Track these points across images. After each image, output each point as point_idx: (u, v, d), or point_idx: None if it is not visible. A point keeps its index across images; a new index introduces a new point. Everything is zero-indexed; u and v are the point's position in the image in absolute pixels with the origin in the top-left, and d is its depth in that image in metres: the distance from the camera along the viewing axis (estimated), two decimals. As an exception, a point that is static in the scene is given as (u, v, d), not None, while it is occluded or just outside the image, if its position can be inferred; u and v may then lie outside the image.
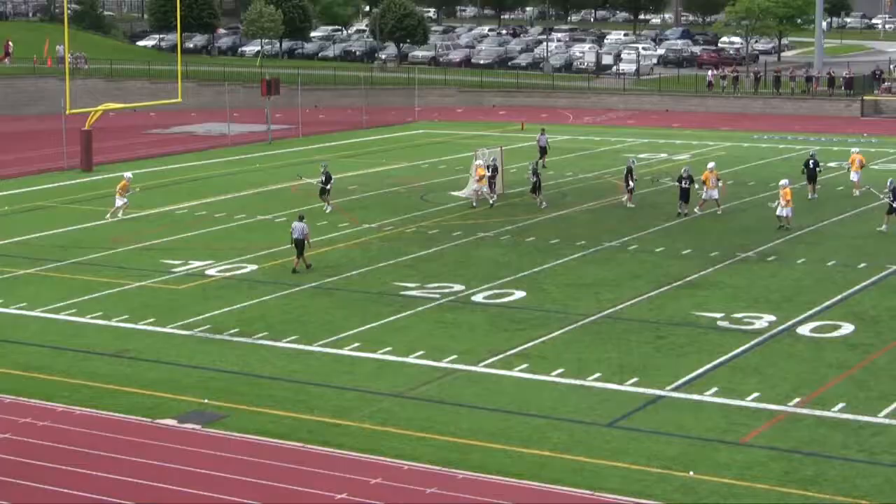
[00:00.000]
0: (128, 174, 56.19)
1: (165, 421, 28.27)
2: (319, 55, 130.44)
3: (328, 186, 55.01)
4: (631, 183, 54.47)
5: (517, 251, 46.30)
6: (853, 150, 62.24)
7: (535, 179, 55.44)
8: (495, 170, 58.11)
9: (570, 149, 75.51)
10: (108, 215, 53.38)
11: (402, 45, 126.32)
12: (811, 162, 58.36)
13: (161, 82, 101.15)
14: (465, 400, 29.63)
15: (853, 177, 59.66)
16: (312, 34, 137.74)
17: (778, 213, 49.42)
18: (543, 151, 67.47)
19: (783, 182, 50.41)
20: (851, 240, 48.08)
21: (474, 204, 55.46)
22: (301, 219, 43.34)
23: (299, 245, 42.74)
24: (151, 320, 36.94)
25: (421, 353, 33.38)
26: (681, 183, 52.39)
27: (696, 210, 52.80)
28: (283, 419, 28.29)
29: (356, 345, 34.18)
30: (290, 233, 43.65)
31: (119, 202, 53.71)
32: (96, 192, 60.79)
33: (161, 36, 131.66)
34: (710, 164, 54.65)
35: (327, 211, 54.06)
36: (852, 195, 57.76)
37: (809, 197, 57.14)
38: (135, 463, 25.63)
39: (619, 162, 69.32)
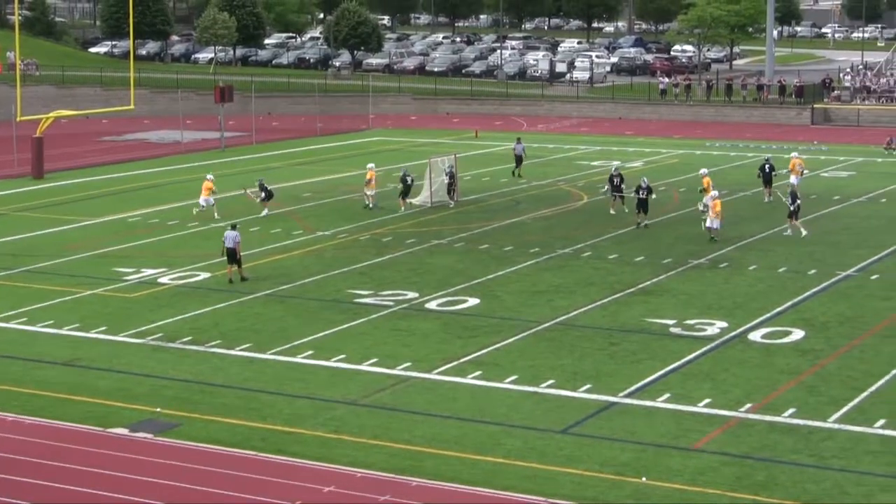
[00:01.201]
0: (210, 175, 57.00)
1: (117, 430, 28.09)
2: (273, 62, 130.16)
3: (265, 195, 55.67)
4: (623, 189, 54.33)
5: (471, 258, 46.31)
6: (792, 154, 62.63)
7: (448, 180, 57.38)
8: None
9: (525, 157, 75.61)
10: (195, 211, 55.21)
11: (356, 52, 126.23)
12: (767, 166, 59.15)
13: (114, 89, 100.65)
14: (419, 407, 29.61)
15: (793, 180, 60.18)
16: (266, 41, 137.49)
17: (707, 225, 49.15)
18: (519, 160, 67.33)
19: (713, 194, 50.18)
20: (802, 246, 48.35)
21: (370, 205, 56.65)
22: (233, 227, 43.00)
23: (231, 254, 42.46)
24: (103, 328, 36.72)
25: (375, 360, 33.33)
26: (638, 193, 52.31)
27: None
28: (236, 427, 28.18)
29: (310, 352, 34.09)
30: (221, 242, 43.30)
31: (203, 202, 54.96)
32: (47, 199, 60.43)
33: (113, 43, 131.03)
34: (703, 170, 55.65)
35: (263, 215, 54.84)
36: (809, 192, 58.16)
37: (766, 200, 57.59)
38: (87, 472, 25.45)
39: (572, 169, 69.56)
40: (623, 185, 54.20)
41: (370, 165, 59.13)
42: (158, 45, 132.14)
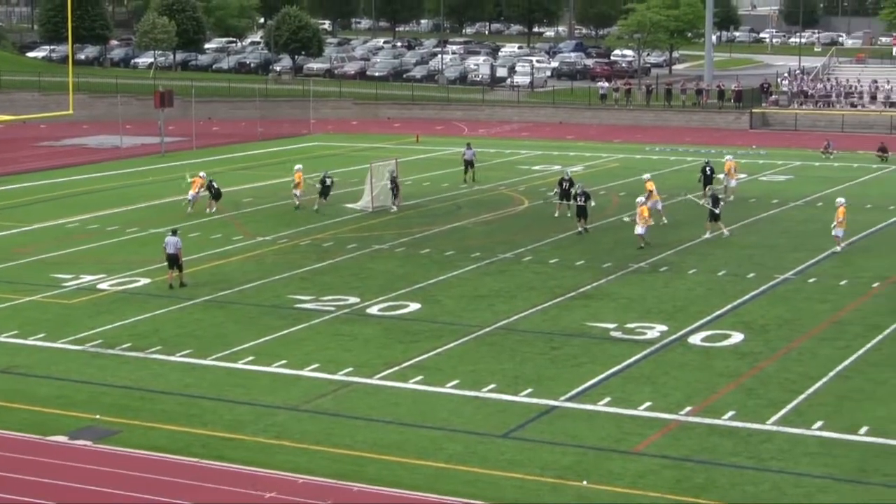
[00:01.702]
0: (202, 173, 59.07)
1: (56, 438, 27.89)
2: (213, 67, 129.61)
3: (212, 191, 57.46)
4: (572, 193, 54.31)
5: (412, 263, 46.31)
6: (726, 157, 63.09)
7: (391, 185, 57.76)
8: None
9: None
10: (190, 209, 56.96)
11: (296, 57, 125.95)
12: (707, 168, 59.74)
13: (52, 94, 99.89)
14: (361, 412, 29.58)
15: (730, 183, 60.71)
16: (206, 46, 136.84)
17: (637, 231, 49.07)
18: (469, 164, 67.35)
19: (639, 199, 50.15)
20: (741, 249, 48.69)
21: (298, 206, 57.65)
22: (174, 233, 42.81)
23: (172, 259, 42.29)
24: (42, 335, 36.43)
25: (316, 365, 33.27)
26: (576, 200, 52.38)
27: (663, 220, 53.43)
28: (176, 434, 28.04)
29: (250, 358, 33.98)
30: (163, 248, 43.14)
31: (192, 196, 57.27)
32: (-14, 205, 59.92)
33: (52, 47, 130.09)
34: (646, 175, 55.94)
35: (210, 211, 56.72)
36: (747, 196, 58.82)
37: (700, 202, 57.95)
38: (25, 481, 25.24)
39: (513, 174, 69.69)
40: (572, 190, 54.27)
41: (298, 167, 59.59)
42: (97, 49, 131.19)
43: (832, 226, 48.48)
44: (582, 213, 51.79)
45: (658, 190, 54.87)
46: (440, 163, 75.18)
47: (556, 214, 55.40)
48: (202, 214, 55.76)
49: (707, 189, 58.61)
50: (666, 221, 53.69)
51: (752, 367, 33.16)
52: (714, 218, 51.05)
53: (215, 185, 57.55)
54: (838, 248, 48.05)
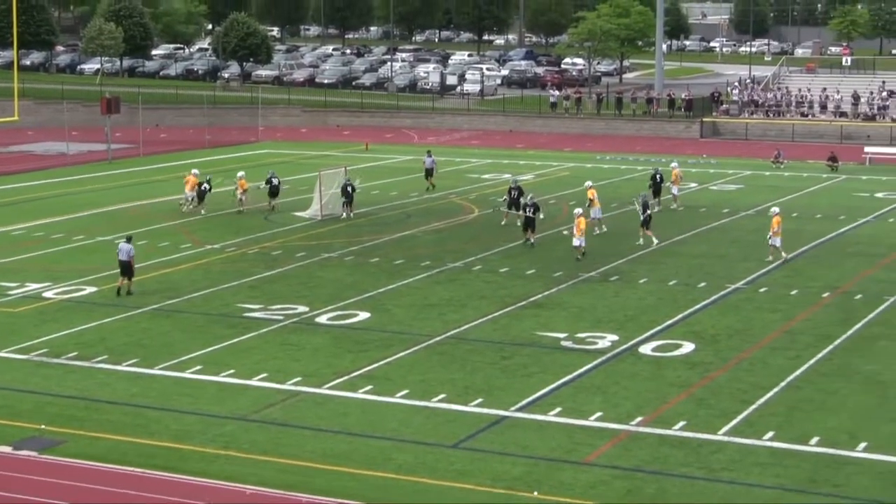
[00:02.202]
0: (195, 170, 60.61)
1: (1, 448, 27.62)
2: (161, 73, 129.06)
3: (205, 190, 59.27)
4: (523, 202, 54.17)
5: (362, 272, 46.24)
6: (672, 164, 63.39)
7: (350, 192, 57.90)
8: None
9: (414, 169, 75.64)
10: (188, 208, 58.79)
11: (245, 63, 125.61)
12: (657, 176, 60.04)
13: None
14: (310, 422, 29.48)
15: (674, 191, 61.07)
16: (154, 52, 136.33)
17: (574, 243, 48.55)
18: (430, 173, 67.34)
19: (577, 211, 49.75)
20: (692, 259, 48.89)
21: (243, 210, 58.47)
22: (128, 240, 42.60)
23: (125, 266, 42.07)
24: (-14, 344, 36.14)
25: (264, 375, 33.14)
26: (525, 211, 52.26)
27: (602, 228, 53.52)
28: (122, 444, 27.84)
29: (198, 368, 33.81)
30: (116, 254, 42.93)
31: (189, 195, 59.13)
32: (-72, 212, 59.36)
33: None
34: (588, 183, 56.30)
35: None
36: (698, 206, 59.14)
37: (655, 209, 58.24)
38: (-32, 492, 25.00)
39: (463, 182, 69.71)
40: (522, 200, 54.26)
41: (240, 174, 60.44)
42: (43, 55, 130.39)
43: (768, 236, 48.76)
44: (530, 224, 51.58)
45: (602, 198, 54.99)
46: (389, 171, 75.14)
47: (504, 223, 55.45)
48: (155, 220, 55.40)
49: (657, 198, 58.92)
50: (605, 230, 53.70)
51: (703, 377, 33.28)
52: (644, 225, 51.31)
53: (206, 185, 59.14)
54: (785, 256, 48.35)
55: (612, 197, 61.99)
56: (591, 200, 53.85)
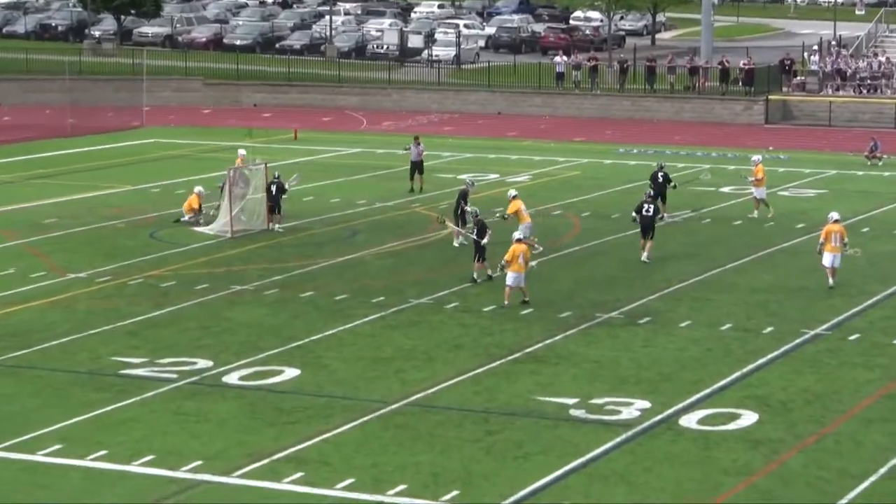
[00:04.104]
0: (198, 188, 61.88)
1: None
2: (4, 31, 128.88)
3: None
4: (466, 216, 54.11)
5: (288, 311, 46.22)
6: (754, 158, 63.40)
7: (275, 195, 58.38)
8: (280, 190, 58.18)
9: (361, 167, 75.70)
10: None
11: (124, 18, 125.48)
12: (660, 175, 59.95)
13: None
14: (214, 525, 29.48)
15: (757, 193, 61.04)
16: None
17: (509, 282, 47.00)
18: (417, 167, 67.34)
19: (515, 235, 48.73)
20: (752, 294, 48.95)
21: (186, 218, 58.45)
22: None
23: None
24: None
25: (150, 457, 33.03)
26: (470, 232, 51.17)
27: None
28: (-52, 556, 27.75)
29: (56, 447, 33.68)
30: None
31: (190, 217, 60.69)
32: None
33: None
34: (512, 192, 55.17)
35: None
36: (762, 219, 59.61)
37: (660, 218, 58.38)
38: None
39: (431, 185, 69.74)
40: (468, 209, 54.10)
41: (198, 189, 61.00)
42: None
43: (817, 249, 49.23)
44: (480, 252, 50.03)
45: (626, 207, 54.98)
46: (328, 169, 75.14)
47: (456, 244, 54.92)
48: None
49: (663, 206, 58.84)
50: (540, 248, 52.54)
51: (771, 460, 33.30)
52: (646, 232, 52.17)
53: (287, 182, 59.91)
54: (831, 282, 48.94)
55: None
56: (514, 213, 53.16)
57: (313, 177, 71.80)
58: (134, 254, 54.50)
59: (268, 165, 62.29)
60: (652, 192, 55.09)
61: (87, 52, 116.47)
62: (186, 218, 60.02)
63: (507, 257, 46.73)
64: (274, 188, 58.46)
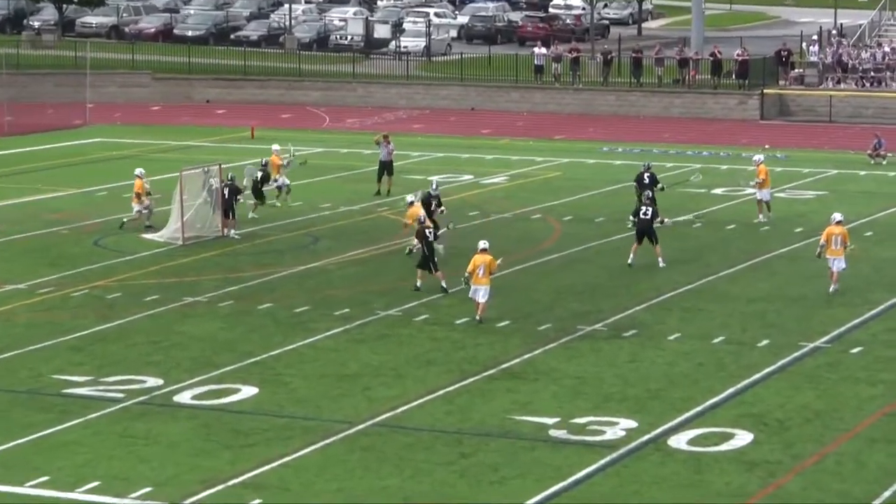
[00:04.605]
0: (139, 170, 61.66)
1: None
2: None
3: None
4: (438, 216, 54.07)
5: (245, 325, 46.23)
6: (756, 157, 63.34)
7: (227, 199, 58.48)
8: (235, 192, 58.19)
9: (325, 168, 75.72)
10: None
11: (65, 7, 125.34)
12: (646, 176, 59.89)
13: None
14: (165, 556, 29.52)
15: (760, 195, 61.01)
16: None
17: (471, 295, 47.24)
18: (386, 168, 67.40)
19: (481, 244, 48.76)
20: (747, 304, 49.05)
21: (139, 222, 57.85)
22: None
23: None
24: None
25: (95, 484, 33.01)
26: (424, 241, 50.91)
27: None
28: None
29: (-7, 473, 33.73)
30: None
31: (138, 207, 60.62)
32: None
33: None
34: (409, 198, 55.57)
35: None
36: (758, 224, 59.79)
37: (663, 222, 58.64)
38: None
39: (399, 187, 69.64)
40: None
41: (138, 171, 60.93)
42: None
43: (818, 251, 49.51)
44: (425, 263, 50.17)
45: (621, 212, 55.08)
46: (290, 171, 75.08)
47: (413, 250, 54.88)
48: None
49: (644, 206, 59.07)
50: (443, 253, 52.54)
51: (767, 483, 33.38)
52: (641, 237, 52.48)
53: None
54: (831, 289, 49.30)
55: (627, 209, 62.06)
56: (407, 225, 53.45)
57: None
58: (78, 263, 54.47)
59: (222, 166, 62.25)
60: (651, 195, 55.18)
61: (25, 44, 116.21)
62: (135, 211, 59.95)
63: (469, 269, 46.66)
64: (227, 191, 58.43)
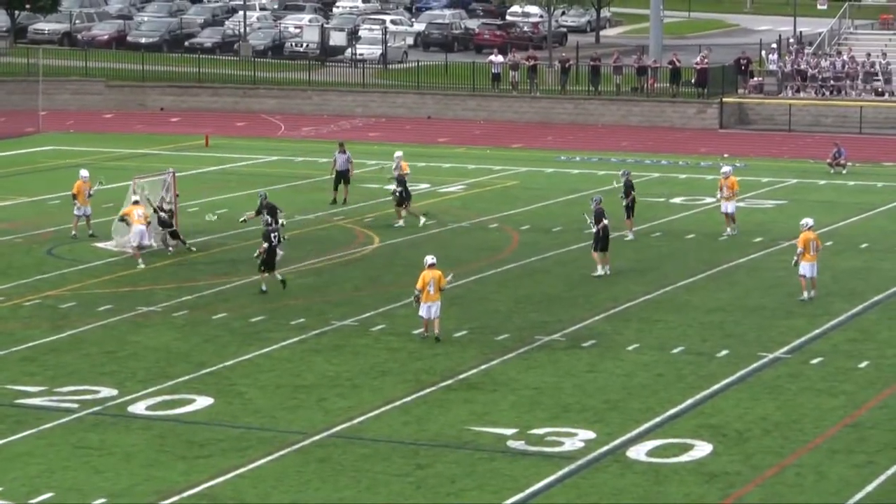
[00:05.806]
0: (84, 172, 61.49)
1: None
2: None
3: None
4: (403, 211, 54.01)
5: (199, 335, 46.19)
6: (724, 169, 63.27)
7: (166, 209, 57.91)
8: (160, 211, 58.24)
9: (280, 176, 75.66)
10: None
11: (17, 13, 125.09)
12: (626, 181, 59.93)
13: None
14: (119, 569, 29.48)
15: (726, 208, 61.04)
16: None
17: (421, 314, 46.37)
18: (343, 177, 67.36)
19: (428, 259, 48.48)
20: (706, 314, 49.15)
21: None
22: None
23: None
24: None
25: (48, 495, 32.97)
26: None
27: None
28: None
29: (-56, 485, 33.67)
30: None
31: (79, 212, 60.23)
32: None
33: None
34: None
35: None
36: (722, 236, 59.82)
37: (629, 237, 58.62)
38: None
39: (355, 196, 69.73)
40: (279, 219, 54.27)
41: (83, 174, 60.83)
42: None
43: (794, 260, 49.57)
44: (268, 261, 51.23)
45: (579, 221, 55.10)
46: (242, 179, 74.97)
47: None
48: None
49: (630, 221, 59.09)
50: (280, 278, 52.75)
51: (726, 495, 33.45)
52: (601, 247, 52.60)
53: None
54: (805, 296, 49.42)
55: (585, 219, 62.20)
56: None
57: (227, 187, 71.78)
58: (30, 272, 54.37)
59: (175, 174, 62.13)
60: (628, 204, 55.30)
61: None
62: (76, 211, 59.97)
63: (418, 285, 45.92)
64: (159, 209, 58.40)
